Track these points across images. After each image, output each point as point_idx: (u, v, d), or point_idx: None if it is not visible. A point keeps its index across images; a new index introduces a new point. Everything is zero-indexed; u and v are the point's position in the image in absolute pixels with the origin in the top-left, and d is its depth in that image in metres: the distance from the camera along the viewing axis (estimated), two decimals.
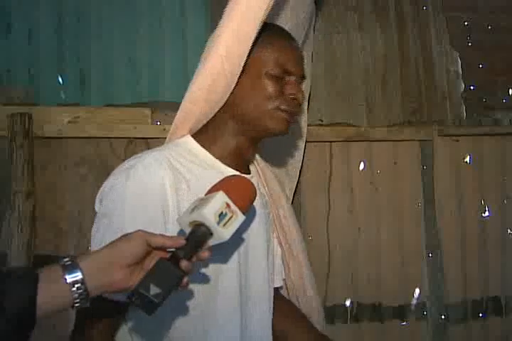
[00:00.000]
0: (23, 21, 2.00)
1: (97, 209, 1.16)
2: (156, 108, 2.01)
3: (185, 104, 1.24)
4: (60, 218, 1.97)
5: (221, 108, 1.22)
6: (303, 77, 1.27)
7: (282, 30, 1.29)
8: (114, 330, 1.14)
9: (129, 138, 2.00)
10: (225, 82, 1.18)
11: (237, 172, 1.21)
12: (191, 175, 1.16)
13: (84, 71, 2.05)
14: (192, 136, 1.25)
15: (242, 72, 1.19)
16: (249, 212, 1.04)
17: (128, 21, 2.07)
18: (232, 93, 1.20)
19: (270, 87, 1.19)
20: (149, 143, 1.97)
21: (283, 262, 1.42)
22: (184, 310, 1.15)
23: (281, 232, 1.40)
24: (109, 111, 2.00)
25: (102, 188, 1.16)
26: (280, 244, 1.41)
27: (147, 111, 2.02)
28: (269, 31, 1.23)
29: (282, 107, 1.20)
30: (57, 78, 2.03)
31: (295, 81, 1.22)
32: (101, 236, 1.08)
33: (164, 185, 1.10)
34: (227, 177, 1.06)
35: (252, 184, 1.06)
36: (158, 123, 2.02)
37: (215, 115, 1.22)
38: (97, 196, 1.16)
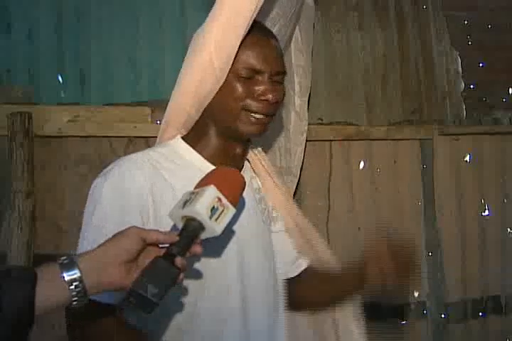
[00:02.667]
0: (23, 21, 2.00)
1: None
2: (156, 107, 2.00)
3: (176, 99, 1.23)
4: (60, 218, 1.97)
5: (205, 108, 1.20)
6: (280, 73, 1.20)
7: (259, 27, 1.22)
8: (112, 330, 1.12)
9: (129, 137, 2.00)
10: (214, 77, 1.16)
11: None
12: (174, 176, 1.15)
13: (84, 71, 2.05)
14: (182, 137, 1.24)
15: None
16: (239, 205, 1.03)
17: (128, 21, 2.08)
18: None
19: (239, 89, 1.16)
20: (149, 142, 1.97)
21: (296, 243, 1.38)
22: (182, 307, 1.14)
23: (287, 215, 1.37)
24: (109, 111, 2.00)
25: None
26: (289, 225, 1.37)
27: (147, 110, 2.02)
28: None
29: (252, 109, 1.16)
30: (57, 77, 2.04)
31: (266, 80, 1.17)
32: (83, 234, 1.14)
33: (141, 188, 1.11)
34: (217, 169, 1.06)
35: (241, 175, 1.06)
36: (158, 122, 2.01)
37: (201, 115, 1.21)
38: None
